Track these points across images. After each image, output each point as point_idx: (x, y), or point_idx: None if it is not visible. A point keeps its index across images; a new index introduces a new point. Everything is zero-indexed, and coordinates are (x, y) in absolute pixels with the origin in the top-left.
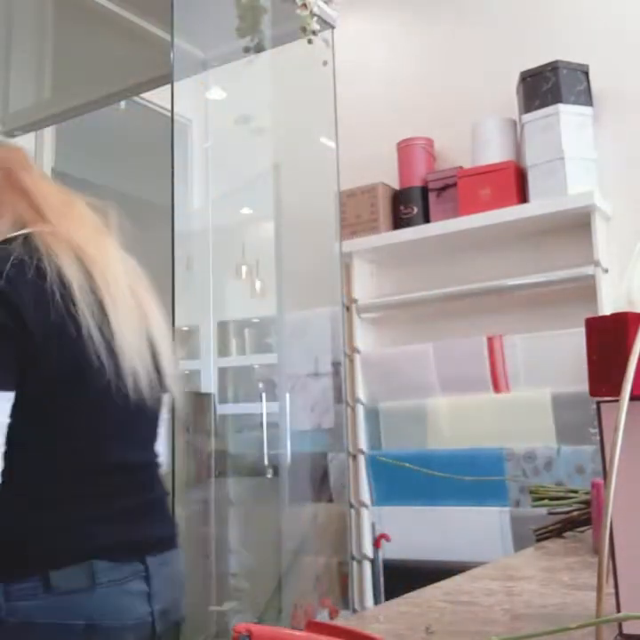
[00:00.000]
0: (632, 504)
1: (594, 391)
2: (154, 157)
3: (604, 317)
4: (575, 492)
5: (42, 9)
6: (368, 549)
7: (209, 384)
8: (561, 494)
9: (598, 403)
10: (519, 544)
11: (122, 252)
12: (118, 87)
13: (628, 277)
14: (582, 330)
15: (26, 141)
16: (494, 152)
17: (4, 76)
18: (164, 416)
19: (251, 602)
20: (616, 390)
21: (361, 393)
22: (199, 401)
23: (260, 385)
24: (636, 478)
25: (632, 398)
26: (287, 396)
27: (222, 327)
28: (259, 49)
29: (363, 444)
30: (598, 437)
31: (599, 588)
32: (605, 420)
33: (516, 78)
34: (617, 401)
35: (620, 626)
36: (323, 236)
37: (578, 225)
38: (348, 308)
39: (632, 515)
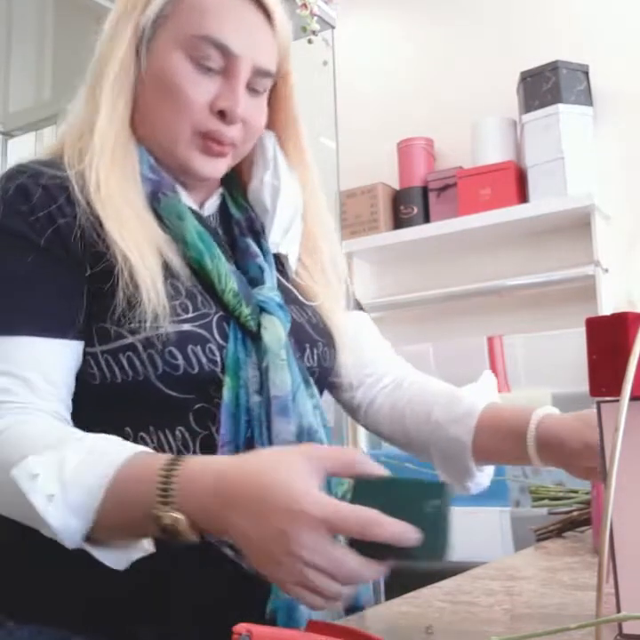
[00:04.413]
0: (632, 504)
1: (594, 391)
2: None
3: (604, 317)
4: (575, 491)
5: (42, 9)
6: None
7: None
8: (561, 494)
9: (598, 403)
10: (519, 544)
11: None
12: None
13: (627, 277)
14: (582, 330)
15: (26, 141)
16: (494, 152)
17: (4, 76)
18: None
19: None
20: (616, 390)
21: None
22: None
23: None
24: (636, 478)
25: (632, 398)
26: None
27: None
28: None
29: (363, 443)
30: (598, 437)
31: (599, 588)
32: (605, 419)
33: (516, 78)
34: (617, 401)
35: (620, 626)
36: None
37: (578, 225)
38: None
39: (632, 515)
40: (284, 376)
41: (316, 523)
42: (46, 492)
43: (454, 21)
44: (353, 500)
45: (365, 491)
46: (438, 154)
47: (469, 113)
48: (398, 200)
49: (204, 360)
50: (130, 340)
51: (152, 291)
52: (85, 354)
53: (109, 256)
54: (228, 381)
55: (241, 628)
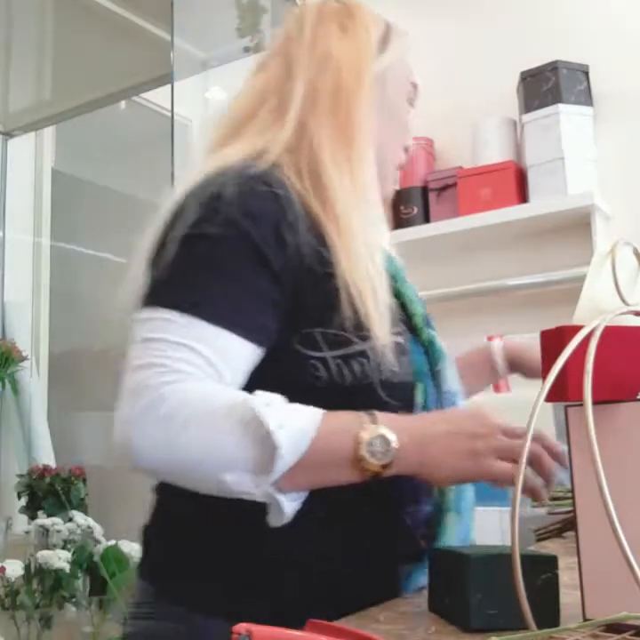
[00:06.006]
0: (594, 503)
1: (547, 398)
2: (154, 157)
3: (551, 330)
4: None
5: (42, 9)
6: None
7: None
8: (561, 494)
9: (566, 407)
10: (519, 544)
11: None
12: (118, 87)
13: (590, 283)
14: None
15: (26, 141)
16: (494, 152)
17: (4, 76)
18: None
19: None
20: (560, 396)
21: None
22: None
23: None
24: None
25: (573, 403)
26: None
27: None
28: (258, 49)
29: None
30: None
31: (582, 588)
32: (572, 423)
33: (516, 78)
34: (580, 405)
35: (583, 611)
36: None
37: (578, 225)
38: None
39: (594, 514)
40: (455, 380)
41: (496, 419)
42: (278, 420)
43: (454, 21)
44: (473, 574)
45: (483, 564)
46: (438, 154)
47: (469, 113)
48: (398, 200)
49: (409, 370)
50: (362, 347)
51: (381, 304)
52: (309, 357)
53: (334, 272)
54: (420, 390)
55: (240, 627)
